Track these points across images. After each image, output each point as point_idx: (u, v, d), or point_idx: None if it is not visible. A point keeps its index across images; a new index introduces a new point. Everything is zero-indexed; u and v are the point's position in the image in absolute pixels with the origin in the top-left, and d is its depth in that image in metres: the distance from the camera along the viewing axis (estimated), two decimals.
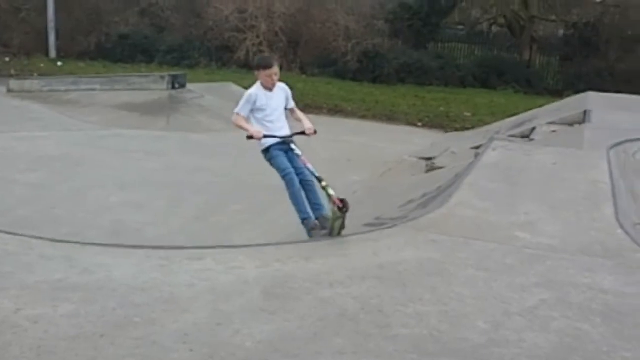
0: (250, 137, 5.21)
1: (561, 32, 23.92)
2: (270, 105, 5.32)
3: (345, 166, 8.86)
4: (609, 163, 7.34)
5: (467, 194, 6.00)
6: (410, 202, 7.34)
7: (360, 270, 4.21)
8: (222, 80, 14.94)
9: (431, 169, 9.76)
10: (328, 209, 5.13)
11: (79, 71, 17.76)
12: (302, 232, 5.54)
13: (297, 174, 5.19)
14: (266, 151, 5.33)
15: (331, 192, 5.03)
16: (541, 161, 7.51)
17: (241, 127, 5.28)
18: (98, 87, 13.36)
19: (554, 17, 23.67)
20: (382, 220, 6.49)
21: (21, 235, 4.75)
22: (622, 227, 5.36)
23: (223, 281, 3.93)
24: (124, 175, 8.25)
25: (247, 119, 5.32)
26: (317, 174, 5.18)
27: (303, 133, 5.42)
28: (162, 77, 12.86)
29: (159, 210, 7.04)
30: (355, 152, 10.11)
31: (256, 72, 5.37)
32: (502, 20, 24.69)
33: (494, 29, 26.25)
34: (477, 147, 9.51)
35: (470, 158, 8.67)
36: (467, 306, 3.76)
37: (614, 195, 6.20)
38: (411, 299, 3.80)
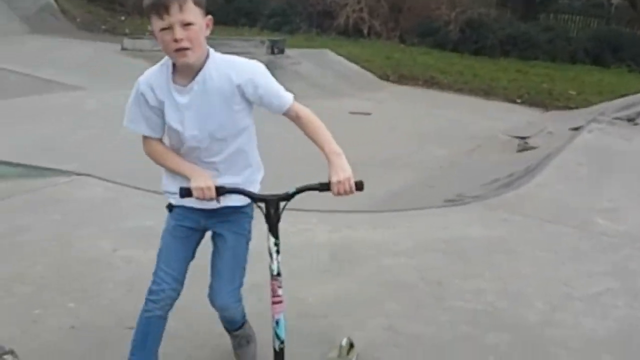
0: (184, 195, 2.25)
1: None
2: (187, 124, 2.28)
3: (434, 140, 8.87)
4: None
5: (550, 176, 5.94)
6: (494, 181, 7.30)
7: (425, 242, 4.36)
8: (320, 47, 15.13)
9: (523, 148, 9.55)
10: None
11: None
12: (378, 202, 5.69)
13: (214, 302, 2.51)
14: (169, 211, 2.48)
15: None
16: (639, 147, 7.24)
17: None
18: None
19: None
20: (462, 197, 6.54)
21: (121, 184, 5.25)
22: None
23: (294, 241, 4.19)
24: None
25: (152, 140, 2.37)
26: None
27: (325, 187, 2.20)
28: (262, 42, 13.22)
29: None
30: (446, 126, 10.05)
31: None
32: None
33: (615, 0, 24.69)
34: (576, 129, 9.21)
35: (567, 139, 8.43)
36: (528, 286, 3.83)
37: None
38: (472, 274, 3.91)
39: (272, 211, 2.24)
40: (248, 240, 2.50)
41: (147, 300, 2.42)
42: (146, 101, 2.29)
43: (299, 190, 2.24)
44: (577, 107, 12.70)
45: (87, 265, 3.73)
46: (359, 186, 2.18)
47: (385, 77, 13.82)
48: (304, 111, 2.34)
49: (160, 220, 2.55)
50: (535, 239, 4.57)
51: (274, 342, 2.31)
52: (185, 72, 2.26)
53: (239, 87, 2.26)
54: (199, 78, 2.25)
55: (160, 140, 2.39)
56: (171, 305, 2.45)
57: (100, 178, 5.28)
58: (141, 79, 2.31)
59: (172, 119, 2.29)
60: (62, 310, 3.20)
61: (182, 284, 2.45)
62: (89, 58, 12.01)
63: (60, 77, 10.10)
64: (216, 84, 2.26)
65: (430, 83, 14.00)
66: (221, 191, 2.27)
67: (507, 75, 15.40)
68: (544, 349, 3.16)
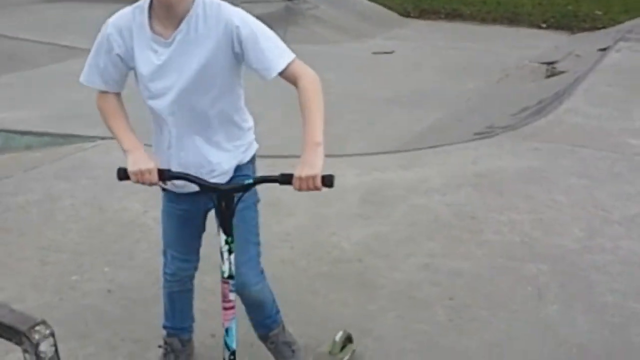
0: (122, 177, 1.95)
1: None
2: (160, 76, 1.96)
3: (460, 74, 8.66)
4: None
5: (579, 100, 5.77)
6: (524, 109, 7.13)
7: (456, 178, 4.29)
8: None
9: (552, 74, 9.27)
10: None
11: None
12: (406, 141, 5.60)
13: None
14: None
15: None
16: None
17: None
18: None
19: None
20: (492, 128, 6.41)
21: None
22: None
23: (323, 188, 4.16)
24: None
25: (107, 94, 2.05)
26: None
27: (287, 180, 1.85)
28: None
29: (275, 121, 7.35)
30: (472, 58, 9.80)
31: None
32: None
33: None
34: (604, 49, 8.91)
35: (595, 61, 8.16)
36: (563, 214, 3.76)
37: None
38: (506, 206, 3.85)
39: (224, 204, 1.89)
40: (256, 201, 2.16)
41: (164, 279, 2.31)
42: (110, 48, 1.94)
43: (256, 182, 1.92)
44: (604, 27, 12.26)
45: (120, 228, 3.77)
46: (328, 182, 1.85)
47: (406, 14, 13.47)
48: (306, 77, 1.92)
49: None
50: (568, 165, 4.47)
51: (223, 352, 2.01)
52: (165, 19, 1.89)
53: (232, 33, 1.87)
54: (183, 26, 1.87)
55: (118, 95, 2.05)
56: (191, 280, 2.32)
57: None
58: (110, 21, 1.96)
59: (145, 72, 1.94)
60: (99, 275, 3.25)
61: (195, 260, 2.28)
62: (105, 21, 11.94)
63: (79, 42, 10.01)
64: (205, 30, 1.87)
65: (453, 15, 13.60)
66: (165, 175, 1.94)
67: (531, 0, 14.86)
68: (583, 276, 3.11)
